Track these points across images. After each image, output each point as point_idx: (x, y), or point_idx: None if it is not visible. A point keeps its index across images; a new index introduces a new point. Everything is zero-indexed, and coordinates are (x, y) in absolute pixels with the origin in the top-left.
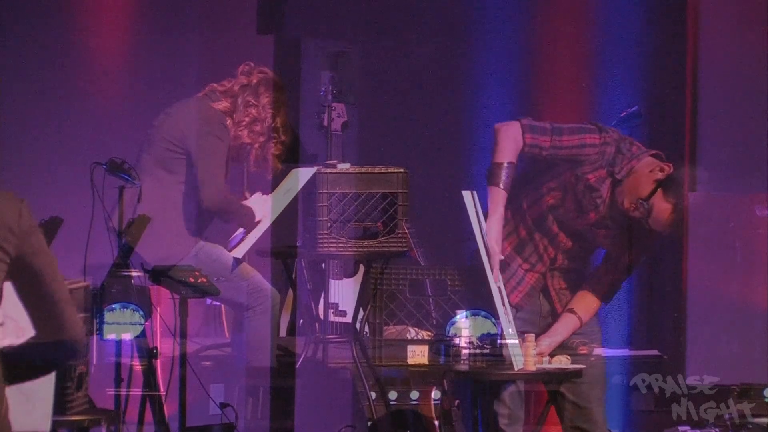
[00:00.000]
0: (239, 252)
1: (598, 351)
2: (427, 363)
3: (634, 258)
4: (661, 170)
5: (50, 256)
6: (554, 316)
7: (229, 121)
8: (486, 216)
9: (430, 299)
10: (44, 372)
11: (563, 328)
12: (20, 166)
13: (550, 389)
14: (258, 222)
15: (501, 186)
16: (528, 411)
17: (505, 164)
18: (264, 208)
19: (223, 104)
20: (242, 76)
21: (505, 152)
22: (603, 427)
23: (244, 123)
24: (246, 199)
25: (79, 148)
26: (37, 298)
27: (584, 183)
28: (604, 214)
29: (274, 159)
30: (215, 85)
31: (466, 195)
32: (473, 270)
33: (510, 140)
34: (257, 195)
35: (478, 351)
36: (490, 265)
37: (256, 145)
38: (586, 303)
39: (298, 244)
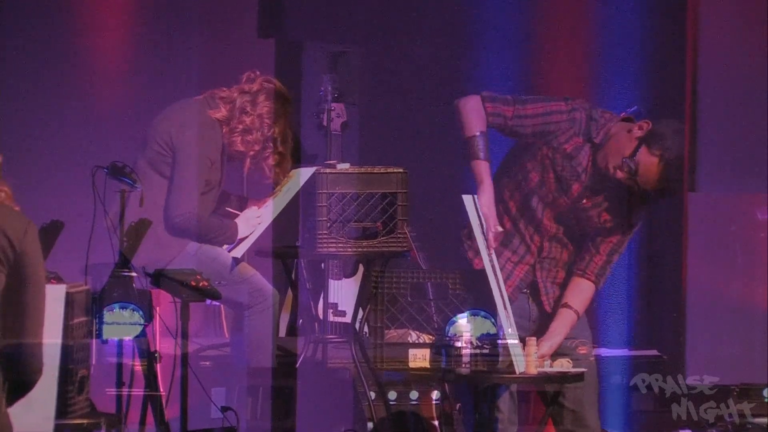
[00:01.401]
0: (238, 252)
1: (593, 351)
2: (429, 366)
3: (624, 230)
4: (640, 128)
5: (40, 285)
6: (543, 319)
7: (225, 129)
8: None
9: (432, 303)
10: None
11: (562, 326)
12: (21, 169)
13: (548, 393)
14: (241, 239)
15: (482, 157)
16: (528, 413)
17: (478, 134)
18: (252, 224)
19: (220, 112)
20: (245, 83)
21: (473, 124)
22: (596, 431)
23: (237, 130)
24: (232, 210)
25: (80, 151)
26: (10, 315)
27: (562, 153)
28: (587, 184)
29: (271, 169)
30: (216, 90)
31: (467, 199)
32: (474, 273)
33: (473, 112)
34: (251, 209)
35: (477, 351)
36: (485, 232)
37: (251, 153)
38: (580, 292)
39: (298, 244)
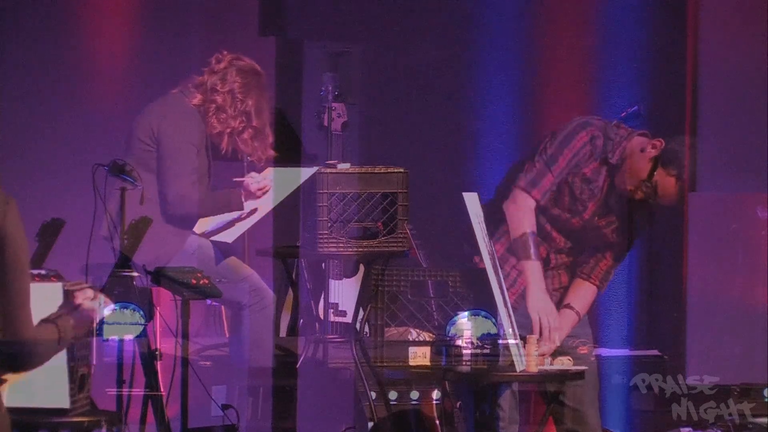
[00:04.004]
0: (230, 237)
1: (593, 351)
2: (429, 364)
3: (631, 238)
4: (654, 147)
5: (24, 267)
6: None
7: (203, 113)
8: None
9: (432, 301)
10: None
11: (563, 326)
12: (22, 167)
13: (549, 391)
14: (254, 210)
15: (533, 258)
16: (528, 412)
17: (529, 233)
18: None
19: (197, 98)
20: (214, 65)
21: (522, 224)
22: (597, 430)
23: (211, 110)
24: (236, 179)
25: (80, 149)
26: None
27: (580, 177)
28: (602, 204)
29: (246, 143)
30: (190, 79)
31: (467, 197)
32: (475, 272)
33: (522, 211)
34: (251, 175)
35: (478, 351)
36: (540, 334)
37: (228, 131)
38: (582, 295)
39: (298, 244)
